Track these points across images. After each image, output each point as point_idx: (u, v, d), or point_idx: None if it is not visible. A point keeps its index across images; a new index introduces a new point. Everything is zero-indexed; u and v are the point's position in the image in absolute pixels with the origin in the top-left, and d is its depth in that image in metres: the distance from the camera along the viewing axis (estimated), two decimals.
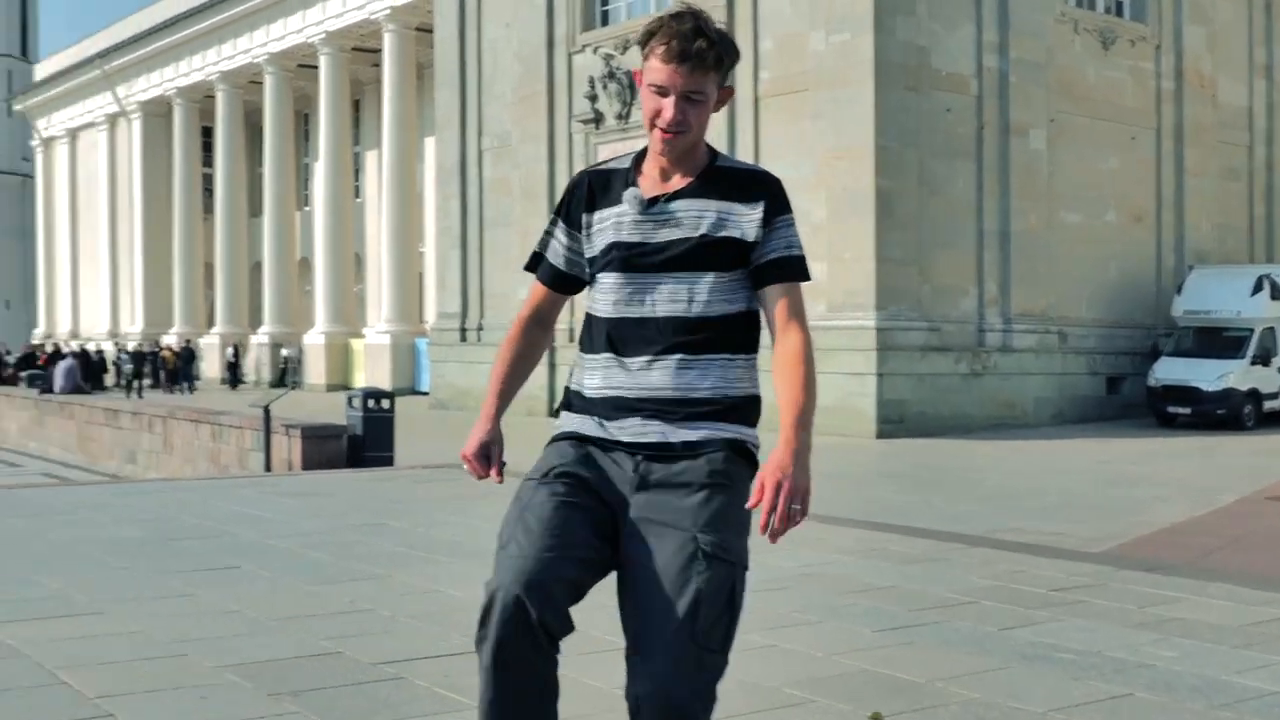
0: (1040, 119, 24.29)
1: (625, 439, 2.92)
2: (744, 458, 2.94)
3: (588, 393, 3.01)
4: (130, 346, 47.08)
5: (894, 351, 22.07)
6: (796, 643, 5.83)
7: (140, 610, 6.36)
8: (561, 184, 27.69)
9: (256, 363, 44.28)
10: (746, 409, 2.97)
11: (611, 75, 25.85)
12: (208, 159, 50.22)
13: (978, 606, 6.72)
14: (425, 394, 32.96)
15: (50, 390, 28.00)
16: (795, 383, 2.87)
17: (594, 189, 3.03)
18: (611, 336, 2.96)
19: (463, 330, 30.16)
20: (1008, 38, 23.65)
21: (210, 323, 49.97)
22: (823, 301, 22.06)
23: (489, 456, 3.01)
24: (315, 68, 41.35)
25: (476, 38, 29.28)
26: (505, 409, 3.10)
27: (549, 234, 3.11)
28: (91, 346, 49.25)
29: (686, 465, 2.88)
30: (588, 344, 3.04)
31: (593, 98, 26.36)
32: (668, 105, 2.85)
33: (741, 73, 23.46)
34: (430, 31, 33.13)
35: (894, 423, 21.75)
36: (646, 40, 2.89)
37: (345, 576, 7.35)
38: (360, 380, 38.05)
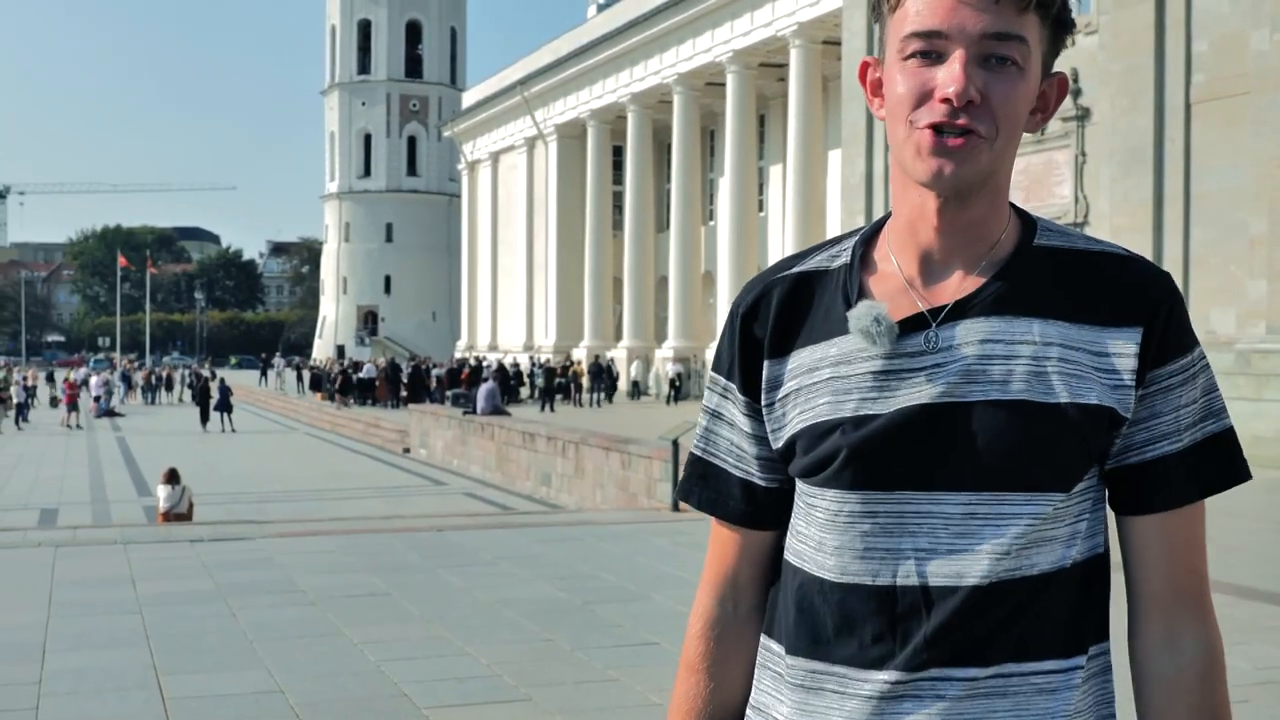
0: None
1: None
2: None
3: None
4: (543, 360, 49.27)
5: None
6: None
7: (565, 698, 6.30)
8: None
9: (658, 376, 45.28)
10: None
11: None
12: (618, 177, 51.86)
13: None
14: None
15: (473, 411, 29.46)
16: None
17: (786, 309, 1.59)
18: (822, 619, 1.53)
19: None
20: None
21: (618, 336, 51.55)
22: (1261, 322, 20.24)
23: None
24: (722, 85, 41.87)
25: (885, 55, 28.68)
26: None
27: (712, 416, 1.66)
28: (508, 360, 51.84)
29: None
30: (775, 623, 1.62)
31: None
32: (949, 72, 1.44)
33: (1172, 77, 21.86)
34: (836, 44, 32.80)
35: None
36: None
37: None
38: None
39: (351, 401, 48.26)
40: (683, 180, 44.40)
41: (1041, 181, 24.65)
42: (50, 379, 61.09)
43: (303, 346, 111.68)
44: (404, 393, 46.78)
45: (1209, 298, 21.26)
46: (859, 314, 1.50)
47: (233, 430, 39.47)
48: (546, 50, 55.62)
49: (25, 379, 50.64)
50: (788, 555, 1.60)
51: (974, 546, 1.48)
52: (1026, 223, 1.57)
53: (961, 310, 1.51)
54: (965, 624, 1.47)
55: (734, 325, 1.62)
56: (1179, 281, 20.99)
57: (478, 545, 11.50)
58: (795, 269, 1.62)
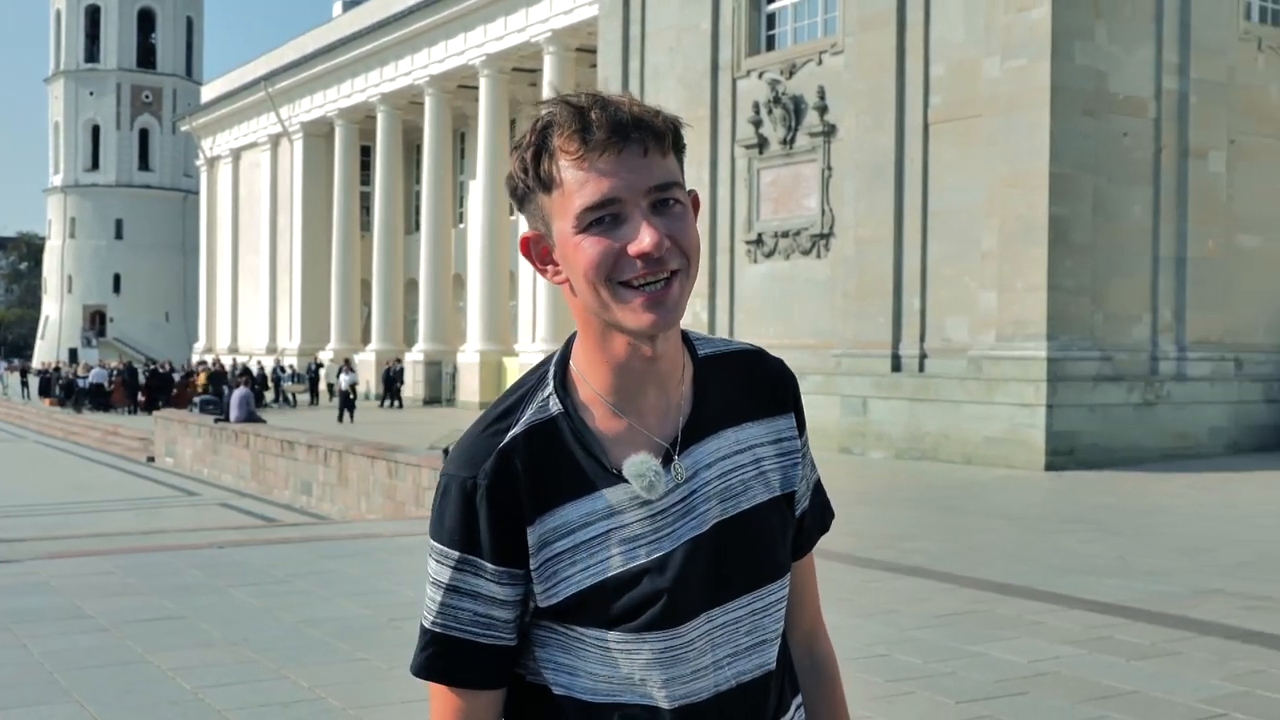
0: (1220, 141, 23.52)
1: None
2: None
3: None
4: (288, 364, 48.22)
5: (1065, 382, 21.58)
6: None
7: (396, 718, 6.46)
8: (725, 210, 27.73)
9: (411, 380, 45.04)
10: None
11: (776, 100, 25.75)
12: (366, 178, 51.28)
13: None
14: None
15: (226, 418, 28.65)
16: None
17: (534, 470, 1.66)
18: None
19: None
20: (1188, 58, 22.93)
21: (366, 339, 50.96)
22: (991, 331, 21.75)
23: None
24: (474, 88, 41.91)
25: (640, 64, 29.39)
26: None
27: (449, 590, 1.67)
28: (254, 364, 50.59)
29: None
30: None
31: (757, 122, 26.30)
32: (638, 230, 1.60)
33: (911, 98, 23.17)
34: (590, 51, 33.32)
35: (1064, 454, 21.25)
36: (538, 151, 1.63)
37: None
38: None
39: (86, 408, 46.19)
40: (433, 182, 44.27)
41: (790, 193, 25.72)
42: None
43: (22, 348, 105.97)
44: (141, 398, 45.05)
45: (944, 308, 22.64)
46: (636, 470, 1.65)
47: None
48: (291, 47, 54.51)
49: None
50: (580, 695, 1.69)
51: (762, 637, 1.74)
52: (682, 332, 1.75)
53: (689, 437, 1.70)
54: (769, 701, 1.76)
55: (475, 497, 1.64)
56: (918, 292, 22.37)
57: (265, 562, 11.40)
58: (517, 428, 1.68)
